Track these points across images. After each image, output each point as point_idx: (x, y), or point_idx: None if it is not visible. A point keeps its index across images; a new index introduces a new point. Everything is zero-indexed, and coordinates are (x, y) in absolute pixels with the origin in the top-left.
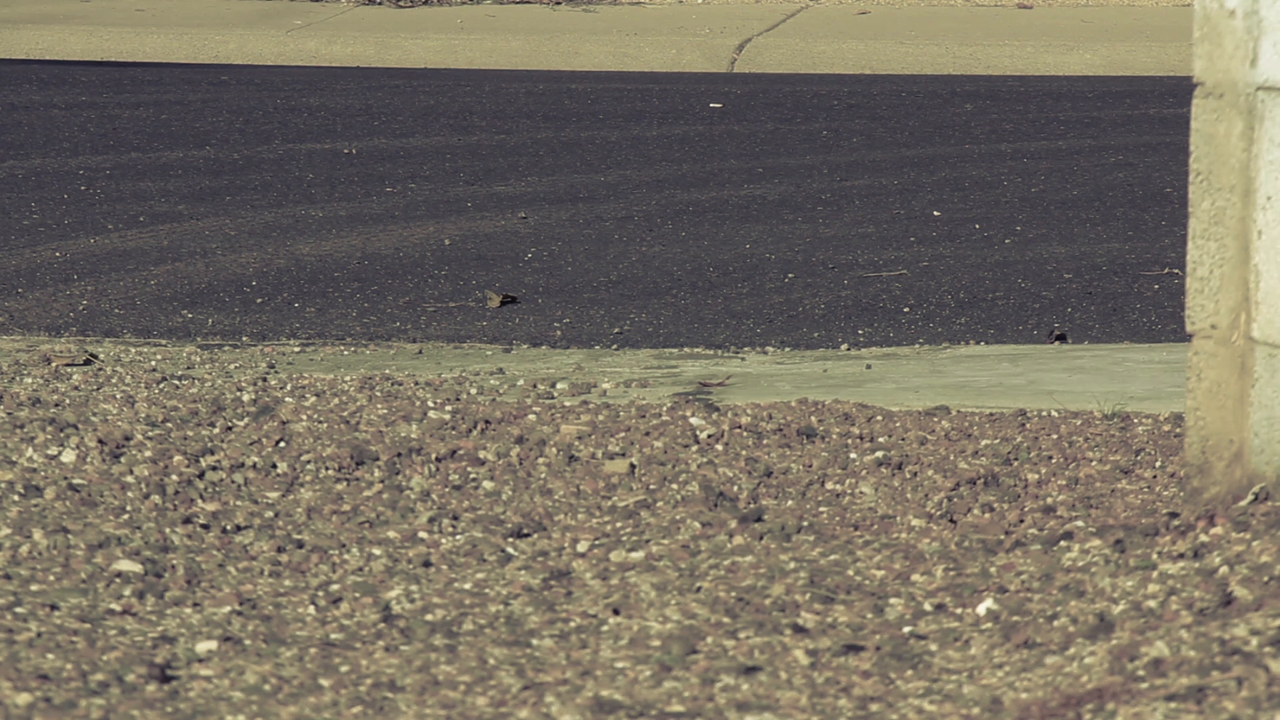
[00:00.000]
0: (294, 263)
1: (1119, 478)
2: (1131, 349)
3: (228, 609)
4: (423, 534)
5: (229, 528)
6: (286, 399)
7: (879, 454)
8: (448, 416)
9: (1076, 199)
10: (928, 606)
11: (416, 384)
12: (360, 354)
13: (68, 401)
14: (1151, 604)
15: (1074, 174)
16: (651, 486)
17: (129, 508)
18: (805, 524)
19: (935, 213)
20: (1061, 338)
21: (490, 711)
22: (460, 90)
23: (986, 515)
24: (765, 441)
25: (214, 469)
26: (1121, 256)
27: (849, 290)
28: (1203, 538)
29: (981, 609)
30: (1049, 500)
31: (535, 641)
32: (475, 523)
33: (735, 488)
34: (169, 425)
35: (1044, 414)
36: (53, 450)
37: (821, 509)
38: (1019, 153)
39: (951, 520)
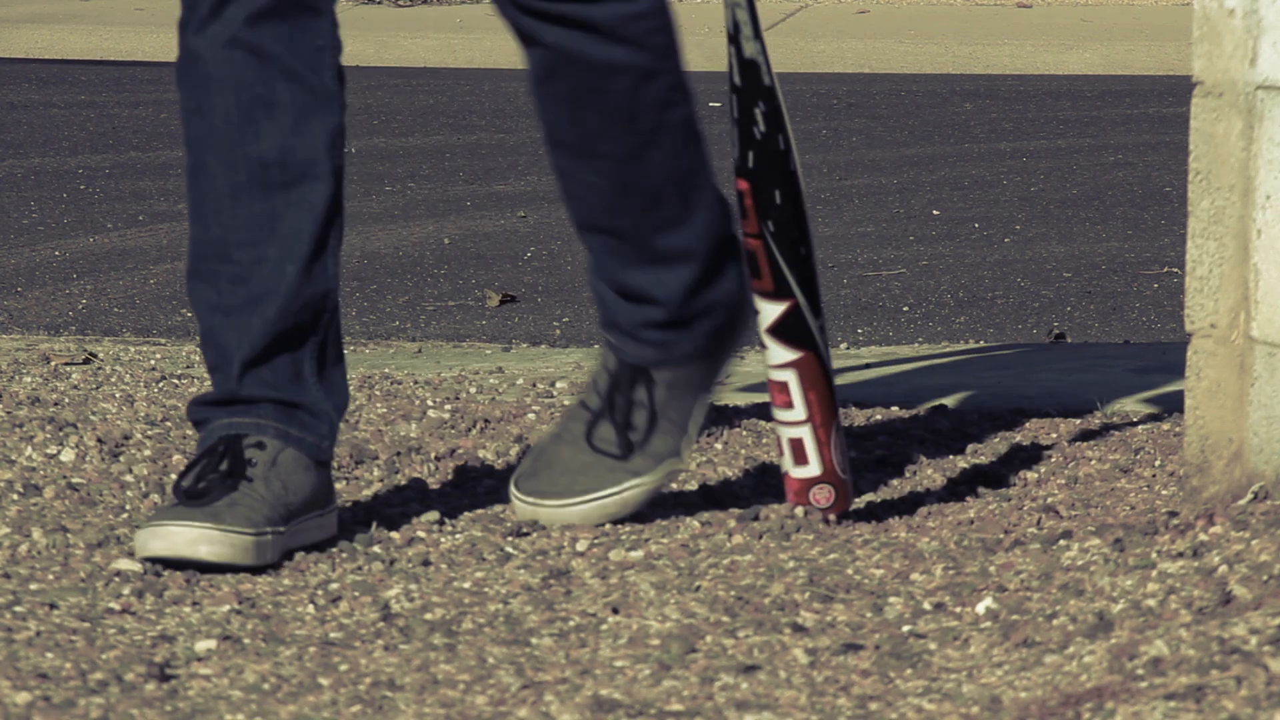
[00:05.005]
0: None
1: (1118, 477)
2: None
3: (227, 608)
4: (421, 533)
5: None
6: None
7: (878, 453)
8: (447, 415)
9: (1076, 198)
10: (927, 605)
11: (416, 383)
12: (359, 353)
13: (67, 400)
14: (1151, 603)
15: (1073, 173)
16: None
17: (128, 507)
18: (804, 523)
19: (934, 212)
20: (1061, 336)
21: (489, 710)
22: (460, 89)
23: (985, 514)
24: (764, 440)
25: None
26: (1121, 255)
27: (848, 289)
28: (1202, 537)
29: (980, 608)
30: (1048, 499)
31: (534, 640)
32: (474, 522)
33: (734, 486)
34: (168, 424)
35: (1043, 413)
36: (52, 449)
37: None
38: (1018, 152)
39: (950, 519)
